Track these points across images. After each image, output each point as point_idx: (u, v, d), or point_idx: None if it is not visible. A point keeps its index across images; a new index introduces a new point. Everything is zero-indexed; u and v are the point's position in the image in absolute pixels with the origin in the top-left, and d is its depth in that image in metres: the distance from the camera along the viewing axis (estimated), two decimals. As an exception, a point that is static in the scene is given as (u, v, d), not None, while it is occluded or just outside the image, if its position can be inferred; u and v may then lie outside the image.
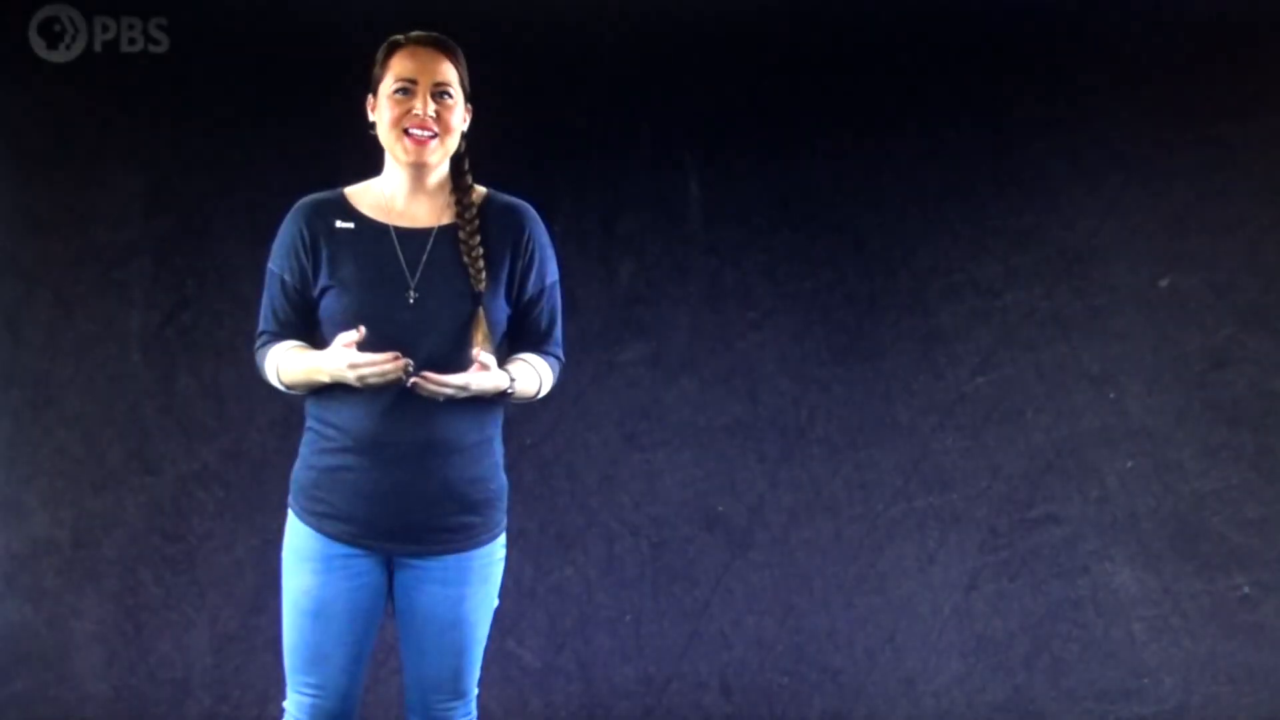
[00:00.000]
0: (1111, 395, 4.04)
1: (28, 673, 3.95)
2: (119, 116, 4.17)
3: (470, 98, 2.65)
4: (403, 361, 2.44)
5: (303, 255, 2.56)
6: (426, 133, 2.54)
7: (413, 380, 2.45)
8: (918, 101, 4.10)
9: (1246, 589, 4.01)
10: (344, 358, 2.44)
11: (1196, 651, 3.98)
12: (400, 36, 2.60)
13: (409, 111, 2.54)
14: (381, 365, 2.43)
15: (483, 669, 2.93)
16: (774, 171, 4.13)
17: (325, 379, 2.51)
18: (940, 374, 4.05)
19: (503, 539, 2.68)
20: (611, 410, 4.08)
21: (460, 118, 2.59)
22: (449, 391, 2.46)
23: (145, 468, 3.96)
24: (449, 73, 2.57)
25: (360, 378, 2.45)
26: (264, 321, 2.62)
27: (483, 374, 2.48)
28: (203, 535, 3.97)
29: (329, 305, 2.53)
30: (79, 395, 3.97)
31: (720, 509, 4.05)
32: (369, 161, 2.94)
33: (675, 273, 4.11)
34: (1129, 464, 4.03)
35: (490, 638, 3.00)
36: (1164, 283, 4.07)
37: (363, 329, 2.44)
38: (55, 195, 4.16)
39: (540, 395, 2.69)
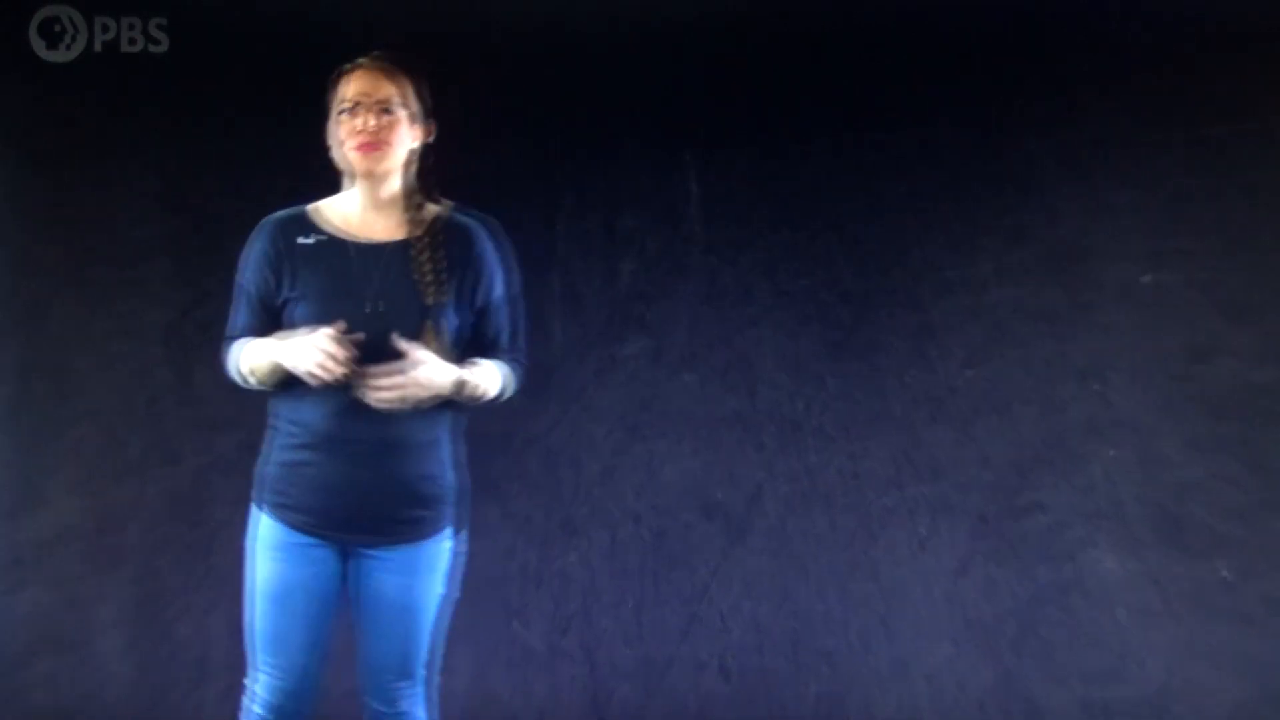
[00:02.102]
0: (1097, 388, 4.00)
1: (52, 655, 3.93)
2: (119, 116, 4.08)
3: (430, 114, 2.72)
4: (351, 369, 2.51)
5: (267, 270, 2.66)
6: (373, 145, 2.63)
7: (355, 386, 2.53)
8: (912, 104, 4.04)
9: (1227, 574, 3.96)
10: (319, 337, 2.50)
11: (1179, 635, 3.91)
12: (348, 64, 2.72)
13: (353, 129, 2.64)
14: (340, 362, 2.50)
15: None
16: (771, 172, 4.08)
17: (286, 363, 2.57)
18: (931, 367, 4.02)
19: (451, 532, 2.76)
20: (614, 403, 4.05)
21: (406, 133, 2.68)
22: (395, 391, 2.54)
23: (165, 458, 3.94)
24: (391, 91, 2.66)
25: (321, 364, 2.50)
26: (231, 328, 2.73)
27: (420, 365, 2.54)
28: (221, 522, 3.91)
29: (291, 315, 2.63)
30: (100, 388, 3.95)
31: (719, 498, 4.04)
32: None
33: (675, 271, 4.08)
34: (1113, 454, 3.99)
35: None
36: (1147, 279, 4.01)
37: (341, 324, 2.52)
38: (60, 195, 4.08)
39: (504, 396, 2.77)
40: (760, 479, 4.03)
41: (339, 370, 2.51)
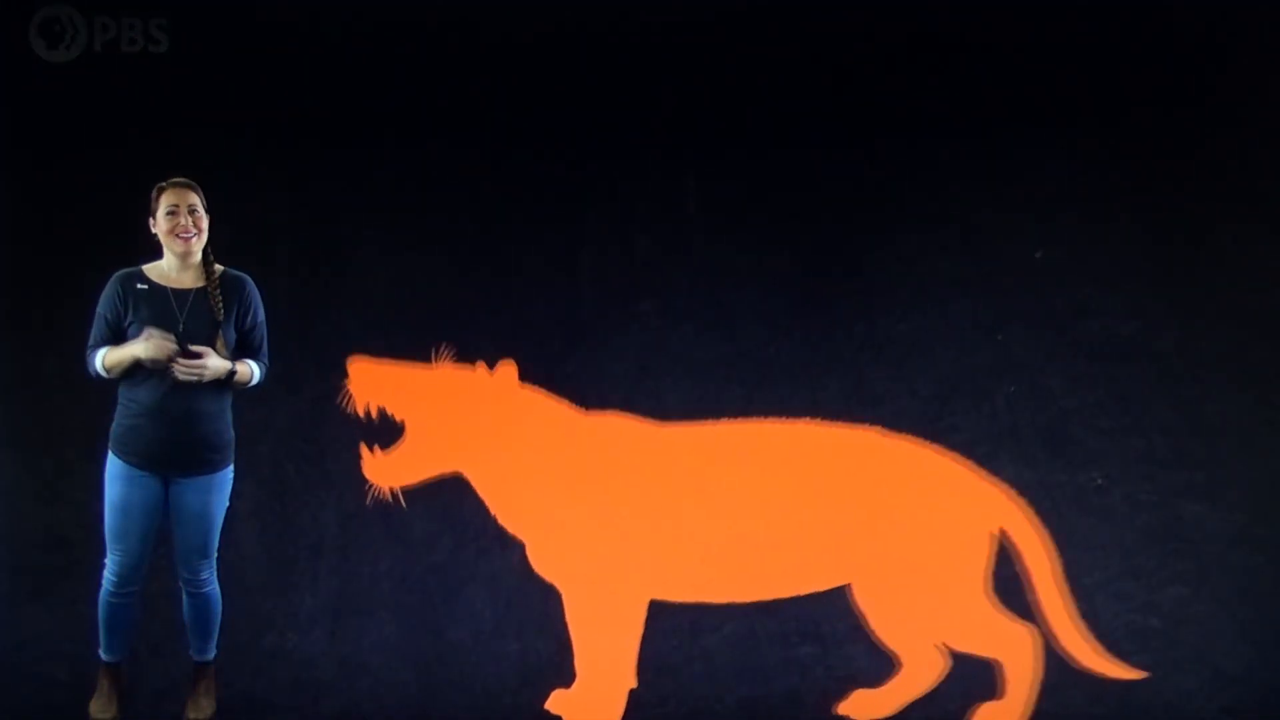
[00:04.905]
0: (999, 337, 4.40)
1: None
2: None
3: (207, 212, 3.70)
4: (171, 341, 3.59)
5: (118, 304, 3.74)
6: (189, 234, 3.67)
7: (172, 368, 3.58)
8: (852, 128, 4.43)
9: (1100, 480, 4.35)
10: (145, 332, 3.56)
11: (1061, 527, 4.26)
12: (164, 182, 3.71)
13: (176, 224, 3.69)
14: (159, 340, 3.55)
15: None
16: (751, 175, 4.45)
17: (130, 357, 3.63)
18: (873, 321, 4.42)
19: (230, 468, 3.81)
20: (630, 348, 4.44)
21: (204, 225, 3.72)
22: (193, 371, 3.59)
23: (289, 389, 4.38)
24: (195, 199, 3.70)
25: (150, 342, 3.57)
26: (93, 339, 3.77)
27: (208, 357, 3.65)
28: (331, 439, 4.36)
29: (132, 333, 3.69)
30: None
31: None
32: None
33: (677, 248, 4.43)
34: (1012, 388, 4.37)
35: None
36: (1038, 254, 4.38)
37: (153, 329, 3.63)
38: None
39: (254, 383, 3.83)
40: (742, 407, 4.33)
41: (169, 348, 3.57)
